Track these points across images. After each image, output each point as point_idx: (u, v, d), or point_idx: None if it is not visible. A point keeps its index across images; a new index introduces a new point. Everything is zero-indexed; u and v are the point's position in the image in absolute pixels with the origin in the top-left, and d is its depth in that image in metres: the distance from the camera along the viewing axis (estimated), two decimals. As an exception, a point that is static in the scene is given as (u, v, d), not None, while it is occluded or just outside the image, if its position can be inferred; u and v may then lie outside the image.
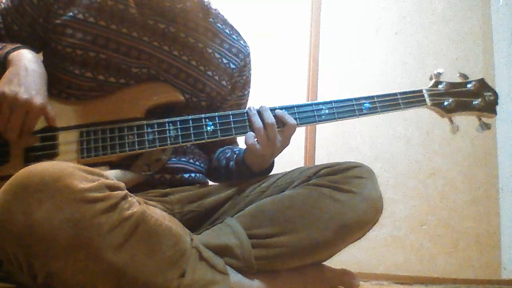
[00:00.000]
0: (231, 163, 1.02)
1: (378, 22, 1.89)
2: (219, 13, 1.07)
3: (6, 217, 0.63)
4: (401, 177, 1.77)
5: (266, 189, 0.94)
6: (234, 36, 1.08)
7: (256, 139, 0.89)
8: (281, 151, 0.93)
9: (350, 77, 1.85)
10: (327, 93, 1.80)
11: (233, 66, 1.06)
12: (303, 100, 1.78)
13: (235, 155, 1.02)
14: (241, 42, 1.09)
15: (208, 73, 1.00)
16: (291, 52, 1.83)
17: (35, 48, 0.92)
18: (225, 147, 1.10)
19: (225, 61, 1.04)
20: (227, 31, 1.07)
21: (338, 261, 0.91)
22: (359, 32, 1.88)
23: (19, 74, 0.80)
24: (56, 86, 0.92)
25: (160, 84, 0.94)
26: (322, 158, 1.76)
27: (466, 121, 1.04)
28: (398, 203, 1.74)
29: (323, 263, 0.92)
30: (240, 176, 0.99)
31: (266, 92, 1.57)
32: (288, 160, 1.06)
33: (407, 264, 1.71)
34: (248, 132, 0.90)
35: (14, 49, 0.85)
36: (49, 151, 0.85)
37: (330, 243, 0.85)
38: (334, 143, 1.72)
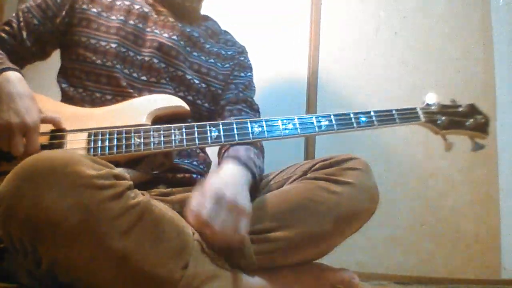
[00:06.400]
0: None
1: (378, 22, 1.89)
2: (215, 21, 1.26)
3: (15, 201, 0.64)
4: (401, 177, 1.77)
5: (264, 186, 0.96)
6: (229, 36, 1.24)
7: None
8: None
9: (350, 77, 1.85)
10: (326, 93, 1.80)
11: (231, 52, 1.20)
12: (303, 100, 1.78)
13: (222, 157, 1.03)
14: (235, 39, 1.25)
15: (210, 61, 1.14)
16: (291, 52, 1.83)
17: (52, 43, 1.05)
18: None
19: (223, 52, 1.18)
20: (222, 31, 1.25)
21: (338, 261, 0.92)
22: (359, 32, 1.88)
23: (3, 101, 0.82)
24: (74, 81, 1.00)
25: (167, 95, 1.01)
26: (322, 158, 1.76)
27: (466, 121, 1.04)
28: (398, 203, 1.74)
29: (322, 262, 0.92)
30: None
31: (265, 92, 1.58)
32: (288, 160, 1.06)
33: (407, 264, 1.71)
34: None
35: None
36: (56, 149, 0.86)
37: (329, 235, 0.87)
38: (334, 143, 1.72)
